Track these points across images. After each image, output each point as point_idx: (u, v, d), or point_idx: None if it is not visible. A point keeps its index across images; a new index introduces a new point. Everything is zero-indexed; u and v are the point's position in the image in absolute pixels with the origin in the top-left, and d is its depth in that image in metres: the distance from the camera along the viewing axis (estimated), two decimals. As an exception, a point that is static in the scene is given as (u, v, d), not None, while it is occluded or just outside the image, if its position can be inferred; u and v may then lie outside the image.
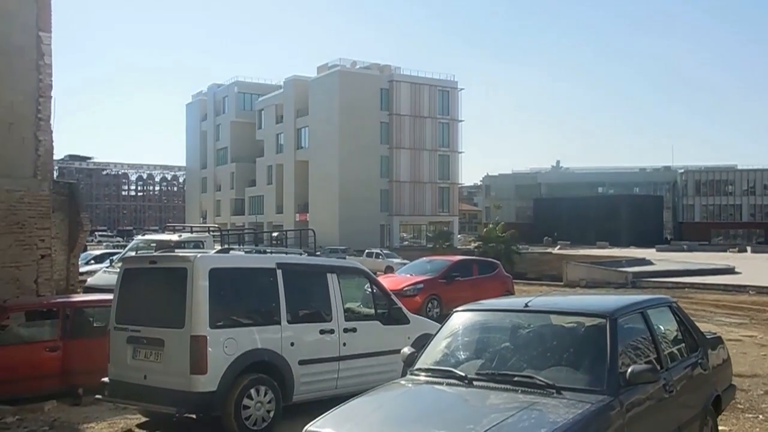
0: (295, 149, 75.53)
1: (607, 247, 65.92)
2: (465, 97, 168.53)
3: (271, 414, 7.54)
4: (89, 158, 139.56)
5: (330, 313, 8.42)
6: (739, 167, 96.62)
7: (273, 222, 75.45)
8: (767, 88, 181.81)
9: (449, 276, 17.99)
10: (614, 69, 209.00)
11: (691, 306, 20.31)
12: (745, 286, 28.17)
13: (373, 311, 9.15)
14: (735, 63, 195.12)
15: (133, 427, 7.99)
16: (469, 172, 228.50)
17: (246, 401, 7.34)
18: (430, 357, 5.49)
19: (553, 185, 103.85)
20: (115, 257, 20.67)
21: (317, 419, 4.67)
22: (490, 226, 50.68)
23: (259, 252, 10.04)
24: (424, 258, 21.85)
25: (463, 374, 5.03)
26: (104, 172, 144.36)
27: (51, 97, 12.33)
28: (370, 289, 9.37)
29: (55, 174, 30.74)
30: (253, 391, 7.41)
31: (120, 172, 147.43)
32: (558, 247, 63.75)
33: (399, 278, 18.49)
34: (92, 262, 25.86)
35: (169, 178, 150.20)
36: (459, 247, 61.71)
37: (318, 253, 15.84)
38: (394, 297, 9.68)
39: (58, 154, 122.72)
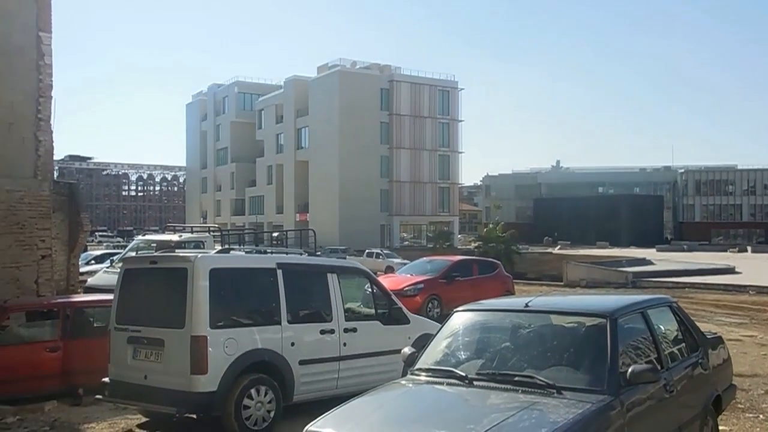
0: (295, 149, 75.54)
1: (607, 247, 65.92)
2: (465, 97, 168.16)
3: (272, 414, 7.54)
4: (89, 158, 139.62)
5: (330, 313, 8.42)
6: (740, 167, 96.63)
7: (273, 222, 75.44)
8: (767, 88, 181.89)
9: (449, 276, 17.99)
10: (614, 69, 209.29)
11: (692, 306, 20.31)
12: (745, 286, 28.16)
13: (373, 311, 9.15)
14: (735, 63, 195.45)
15: (134, 427, 7.99)
16: (469, 172, 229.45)
17: (246, 401, 7.34)
18: (430, 357, 5.49)
19: (553, 185, 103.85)
20: (115, 257, 20.67)
21: (318, 419, 4.67)
22: (491, 226, 50.69)
23: (260, 252, 10.04)
24: (425, 258, 21.85)
25: (463, 374, 5.03)
26: (104, 173, 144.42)
27: (51, 97, 12.33)
28: (370, 289, 9.37)
29: (56, 174, 30.74)
30: (253, 391, 7.41)
31: (120, 173, 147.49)
32: (558, 247, 63.75)
33: (399, 278, 18.49)
34: (92, 262, 25.88)
35: (169, 179, 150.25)
36: (459, 247, 61.71)
37: (318, 253, 15.84)
38: (394, 297, 9.68)
39: (58, 154, 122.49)
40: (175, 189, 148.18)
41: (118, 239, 75.18)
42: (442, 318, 8.72)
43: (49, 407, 8.64)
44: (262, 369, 7.58)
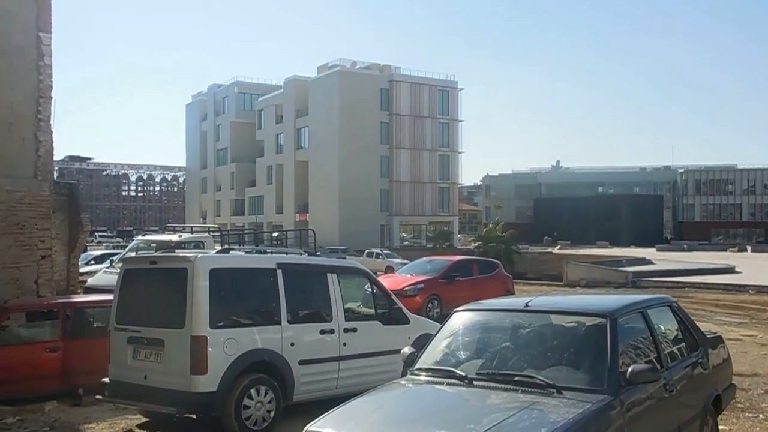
0: (295, 149, 75.54)
1: (607, 247, 65.90)
2: (465, 97, 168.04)
3: (272, 414, 7.54)
4: (89, 159, 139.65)
5: (330, 313, 8.42)
6: (739, 167, 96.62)
7: (273, 222, 75.44)
8: (767, 88, 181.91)
9: (449, 276, 17.99)
10: (614, 69, 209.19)
11: (692, 305, 20.31)
12: (745, 286, 28.16)
13: (373, 311, 9.15)
14: (735, 63, 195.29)
15: (134, 427, 7.99)
16: (470, 172, 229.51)
17: (246, 401, 7.34)
18: (430, 357, 5.49)
19: (553, 185, 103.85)
20: (115, 258, 20.67)
21: (318, 419, 4.67)
22: (490, 226, 50.70)
23: (260, 252, 10.04)
24: (424, 258, 21.85)
25: (463, 374, 5.03)
26: (104, 173, 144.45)
27: (51, 97, 12.33)
28: (370, 289, 9.37)
29: (55, 174, 30.73)
30: (253, 391, 7.41)
31: (120, 173, 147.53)
32: (558, 246, 63.74)
33: (399, 278, 18.49)
34: (92, 262, 25.87)
35: (169, 179, 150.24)
36: (459, 247, 61.72)
37: (318, 253, 15.83)
38: (394, 297, 9.68)
39: (58, 154, 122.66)
40: (175, 189, 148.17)
41: (118, 239, 75.13)
42: (442, 318, 8.73)
43: (49, 407, 8.64)
44: (262, 369, 7.58)
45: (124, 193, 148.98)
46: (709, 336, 6.87)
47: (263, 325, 7.76)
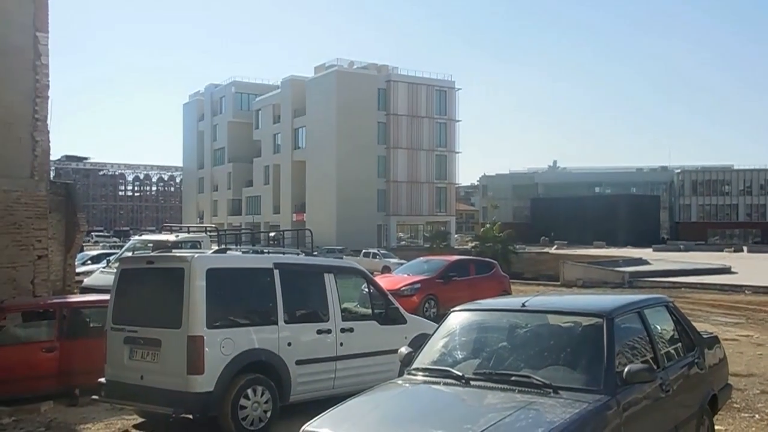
0: (293, 149, 75.51)
1: (604, 247, 65.97)
2: (464, 97, 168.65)
3: (268, 414, 7.53)
4: (86, 158, 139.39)
5: (327, 313, 8.42)
6: (736, 167, 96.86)
7: (270, 222, 75.37)
8: (767, 88, 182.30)
9: (446, 276, 17.99)
10: (614, 69, 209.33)
11: (688, 306, 20.32)
12: (741, 286, 28.20)
13: (370, 311, 9.15)
14: (734, 63, 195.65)
15: (130, 427, 7.98)
16: (469, 172, 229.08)
17: (243, 401, 7.33)
18: (427, 357, 5.49)
19: (550, 185, 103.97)
20: (111, 258, 20.64)
21: (314, 419, 4.67)
22: (487, 225, 50.80)
23: (257, 252, 10.04)
24: (421, 258, 21.87)
25: (460, 374, 5.03)
26: (101, 173, 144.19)
27: (48, 97, 12.32)
28: (367, 289, 9.37)
29: (52, 174, 30.69)
30: (250, 391, 7.40)
31: (117, 173, 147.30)
32: (555, 246, 63.83)
33: (396, 278, 18.50)
34: (89, 262, 25.83)
35: (166, 179, 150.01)
36: (456, 247, 61.78)
37: (315, 253, 15.82)
38: (391, 297, 9.68)
39: (57, 154, 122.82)
40: (172, 189, 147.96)
41: (115, 239, 74.99)
42: (439, 318, 8.74)
43: (46, 408, 8.63)
44: (259, 369, 7.57)
45: (120, 193, 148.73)
46: (705, 336, 6.88)
47: (260, 325, 7.75)
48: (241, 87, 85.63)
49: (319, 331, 8.28)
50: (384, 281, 15.85)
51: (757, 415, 8.33)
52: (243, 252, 10.33)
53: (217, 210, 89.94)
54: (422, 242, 68.10)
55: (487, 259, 22.60)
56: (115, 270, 9.03)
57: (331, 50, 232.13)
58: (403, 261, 33.68)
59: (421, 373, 5.28)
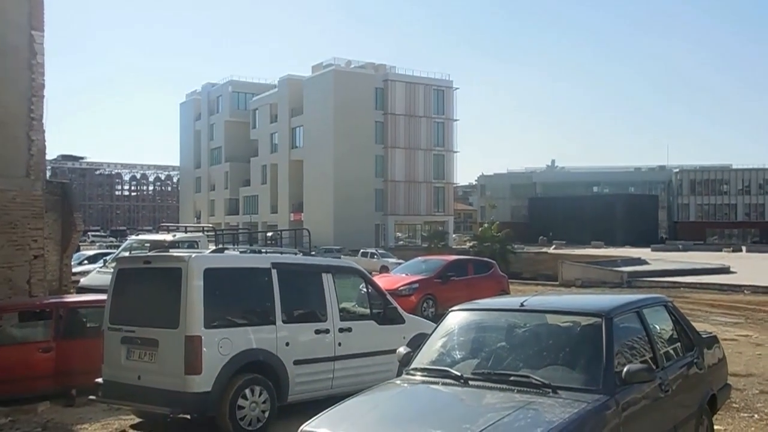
0: (290, 149, 75.44)
1: (602, 247, 66.02)
2: (464, 97, 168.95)
3: (266, 414, 7.51)
4: (82, 158, 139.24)
5: (325, 313, 8.39)
6: (734, 167, 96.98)
7: (267, 222, 75.32)
8: (766, 88, 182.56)
9: (444, 275, 17.97)
10: (614, 69, 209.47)
11: (687, 305, 20.33)
12: (740, 286, 28.23)
13: (368, 311, 9.13)
14: (734, 63, 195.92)
15: (127, 428, 7.95)
16: (468, 172, 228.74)
17: (241, 401, 7.31)
18: (425, 357, 5.47)
19: (549, 184, 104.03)
20: (108, 257, 20.60)
21: (312, 419, 4.65)
22: (486, 225, 50.87)
23: (254, 252, 10.01)
24: (420, 258, 21.85)
25: (458, 374, 5.01)
26: (97, 172, 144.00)
27: (43, 96, 12.29)
28: (365, 289, 9.35)
29: (48, 174, 30.59)
30: (248, 392, 7.38)
31: (113, 172, 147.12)
32: (553, 246, 63.89)
33: (394, 278, 18.47)
34: (85, 262, 25.80)
35: (162, 178, 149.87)
36: (454, 246, 61.83)
37: (313, 252, 15.80)
38: (389, 297, 9.65)
39: (57, 153, 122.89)
40: (169, 189, 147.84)
41: (111, 239, 74.91)
42: (437, 318, 8.70)
43: (42, 408, 8.60)
44: (257, 369, 7.55)
45: (117, 193, 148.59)
46: (704, 336, 6.87)
47: (258, 325, 7.73)
48: (238, 86, 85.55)
49: (317, 331, 8.26)
50: (382, 281, 15.81)
51: (756, 415, 8.32)
52: (240, 252, 10.30)
53: (215, 209, 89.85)
54: (420, 242, 68.09)
55: (485, 259, 22.60)
56: (111, 270, 9.01)
57: (329, 49, 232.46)
58: (401, 261, 33.68)
59: (419, 373, 5.26)
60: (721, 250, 63.15)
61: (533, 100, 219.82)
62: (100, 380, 7.80)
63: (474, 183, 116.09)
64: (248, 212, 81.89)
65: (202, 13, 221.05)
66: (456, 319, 5.81)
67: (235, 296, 7.85)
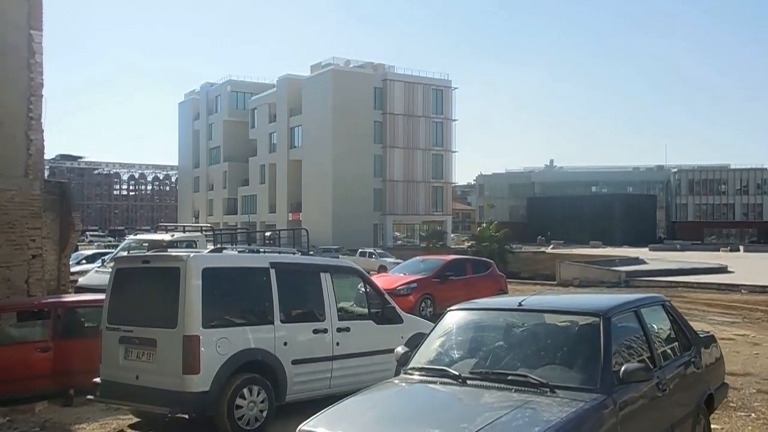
0: (288, 148, 75.41)
1: (600, 247, 66.07)
2: (464, 96, 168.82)
3: (264, 414, 7.52)
4: (80, 157, 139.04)
5: (323, 313, 8.40)
6: (732, 167, 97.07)
7: (266, 221, 75.28)
8: (764, 88, 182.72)
9: (443, 275, 17.98)
10: (613, 69, 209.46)
11: (685, 305, 20.35)
12: (737, 285, 28.28)
13: (366, 310, 9.13)
14: (732, 63, 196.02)
15: (125, 427, 7.95)
16: (467, 172, 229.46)
17: (239, 401, 7.31)
18: (423, 356, 5.48)
19: (547, 184, 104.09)
20: (106, 257, 20.58)
21: (310, 419, 4.65)
22: (484, 225, 50.89)
23: (252, 251, 10.01)
24: (418, 257, 21.85)
25: (456, 373, 5.02)
26: (96, 172, 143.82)
27: (42, 96, 12.27)
28: (363, 289, 9.36)
29: (46, 173, 30.59)
30: (246, 391, 7.38)
31: (112, 172, 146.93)
32: (551, 246, 63.90)
33: (392, 277, 18.47)
34: (83, 262, 25.79)
35: (161, 178, 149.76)
36: (452, 246, 61.84)
37: (311, 252, 15.79)
38: (387, 296, 9.66)
39: (56, 153, 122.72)
40: (167, 188, 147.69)
41: (110, 239, 74.85)
42: (435, 317, 8.70)
43: (40, 408, 8.59)
44: (255, 368, 7.55)
45: (115, 192, 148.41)
46: (701, 335, 6.88)
47: (256, 325, 7.73)
48: (236, 86, 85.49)
49: (316, 331, 8.26)
50: (380, 280, 15.83)
51: (753, 414, 8.34)
52: (239, 251, 10.31)
53: (213, 209, 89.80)
54: (419, 242, 68.14)
55: (483, 259, 22.62)
56: (110, 269, 9.01)
57: (328, 49, 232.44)
58: (399, 260, 33.66)
59: (417, 373, 5.27)
60: (718, 250, 63.23)
61: (532, 99, 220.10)
62: (98, 380, 7.80)
63: (472, 183, 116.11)
64: (247, 212, 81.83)
65: (202, 13, 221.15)
66: (454, 318, 5.81)
67: (234, 296, 7.85)
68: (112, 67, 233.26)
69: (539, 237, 75.91)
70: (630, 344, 5.41)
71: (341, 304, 8.83)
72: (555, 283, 33.07)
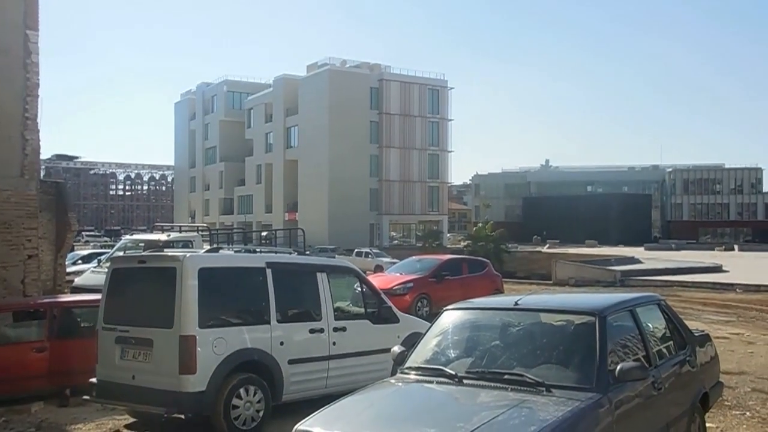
0: (285, 148, 75.38)
1: (596, 246, 66.14)
2: (462, 96, 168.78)
3: (261, 414, 7.52)
4: (76, 157, 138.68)
5: (320, 313, 8.40)
6: (727, 166, 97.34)
7: (262, 221, 75.27)
8: (760, 88, 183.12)
9: (439, 275, 18.00)
10: (611, 69, 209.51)
11: (680, 304, 20.41)
12: (732, 284, 28.35)
13: (362, 310, 9.14)
14: (731, 63, 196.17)
15: (121, 427, 7.94)
16: (462, 172, 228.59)
17: (235, 401, 7.31)
18: (420, 356, 5.49)
19: (543, 184, 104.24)
20: (102, 257, 20.56)
21: (307, 418, 4.66)
22: (480, 225, 50.90)
23: (249, 251, 10.01)
24: (414, 257, 21.86)
25: (453, 372, 5.03)
26: (92, 172, 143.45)
27: (38, 96, 12.25)
28: (359, 288, 9.36)
29: (42, 173, 30.54)
30: (242, 391, 7.38)
31: (108, 172, 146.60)
32: (547, 245, 63.97)
33: (389, 277, 18.49)
34: (79, 262, 25.71)
35: (157, 178, 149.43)
36: (448, 246, 61.81)
37: (307, 252, 15.81)
38: (383, 296, 9.67)
39: (53, 153, 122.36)
40: (164, 188, 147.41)
41: (106, 239, 74.67)
42: (432, 317, 8.73)
43: (36, 408, 8.58)
44: (251, 368, 7.55)
45: (111, 192, 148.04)
46: (696, 334, 6.91)
47: (252, 325, 7.73)
48: (232, 86, 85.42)
49: (312, 331, 8.26)
50: (376, 280, 15.84)
51: (747, 413, 8.37)
52: (235, 251, 10.30)
53: (209, 209, 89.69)
54: (415, 241, 68.19)
55: (479, 258, 22.64)
56: (106, 269, 8.99)
57: (326, 49, 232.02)
58: (395, 260, 33.66)
59: (413, 372, 5.28)
60: (713, 249, 63.36)
61: (530, 99, 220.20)
62: (94, 380, 7.78)
63: (468, 182, 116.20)
64: (243, 212, 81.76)
65: (201, 13, 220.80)
66: (450, 318, 5.82)
67: (230, 296, 7.84)
68: (112, 67, 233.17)
69: (535, 236, 76.02)
70: (625, 343, 5.43)
71: (338, 304, 8.83)
72: (551, 282, 33.11)
